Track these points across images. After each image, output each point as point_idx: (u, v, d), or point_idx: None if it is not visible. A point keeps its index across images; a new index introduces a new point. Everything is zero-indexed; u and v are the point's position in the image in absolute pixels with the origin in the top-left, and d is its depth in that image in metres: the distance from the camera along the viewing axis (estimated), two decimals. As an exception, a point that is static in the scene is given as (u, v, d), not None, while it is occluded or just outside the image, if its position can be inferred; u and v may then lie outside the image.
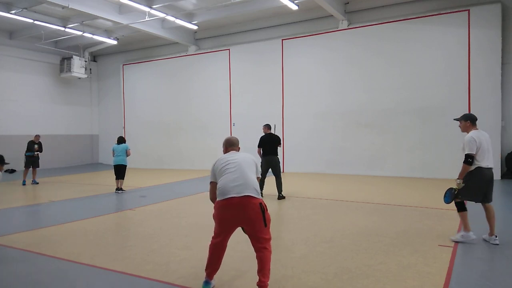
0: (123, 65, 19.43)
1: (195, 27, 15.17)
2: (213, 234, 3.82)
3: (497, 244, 5.16)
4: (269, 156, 9.14)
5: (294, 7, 12.44)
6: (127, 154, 10.57)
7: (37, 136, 13.05)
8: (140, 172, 15.85)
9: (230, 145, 4.16)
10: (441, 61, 12.29)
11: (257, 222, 3.57)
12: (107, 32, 16.73)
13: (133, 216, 7.61)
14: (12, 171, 16.69)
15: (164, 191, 10.90)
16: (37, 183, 12.68)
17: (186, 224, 6.80)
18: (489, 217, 5.38)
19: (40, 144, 12.95)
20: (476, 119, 5.45)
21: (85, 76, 18.88)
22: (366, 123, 13.51)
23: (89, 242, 5.71)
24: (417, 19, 12.63)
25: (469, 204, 5.61)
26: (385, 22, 13.17)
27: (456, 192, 5.42)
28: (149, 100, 18.62)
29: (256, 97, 15.48)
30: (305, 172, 14.19)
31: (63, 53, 18.51)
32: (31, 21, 13.85)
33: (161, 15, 13.31)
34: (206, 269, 3.82)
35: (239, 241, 4.70)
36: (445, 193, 5.64)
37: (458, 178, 5.33)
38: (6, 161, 5.67)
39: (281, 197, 8.93)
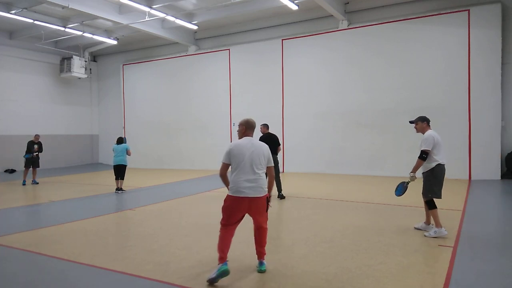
0: (123, 65, 19.43)
1: (195, 27, 15.17)
2: (220, 226, 4.27)
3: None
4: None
5: (294, 7, 12.43)
6: (128, 154, 10.57)
7: (37, 136, 13.03)
8: (140, 172, 15.85)
9: (249, 128, 4.45)
10: (441, 61, 12.29)
11: (261, 211, 4.23)
12: (107, 32, 16.73)
13: (133, 216, 7.61)
14: (12, 171, 16.70)
15: (164, 191, 10.91)
16: (37, 183, 12.68)
17: (186, 224, 6.80)
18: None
19: (40, 144, 12.93)
20: (429, 121, 5.94)
21: (85, 76, 18.88)
22: (366, 123, 13.51)
23: (89, 242, 5.71)
24: (417, 19, 12.63)
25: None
26: (385, 22, 13.18)
27: (406, 186, 5.91)
28: (149, 100, 18.62)
29: (256, 97, 15.48)
30: (305, 172, 14.19)
31: (63, 53, 18.51)
32: (31, 21, 13.85)
33: (161, 15, 13.31)
34: (219, 254, 4.15)
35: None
36: (397, 187, 6.08)
37: (411, 172, 5.69)
38: None
39: (281, 196, 8.87)
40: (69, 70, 18.10)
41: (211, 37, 17.14)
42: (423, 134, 5.82)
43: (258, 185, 4.15)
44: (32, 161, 12.66)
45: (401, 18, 12.93)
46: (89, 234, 6.19)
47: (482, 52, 11.71)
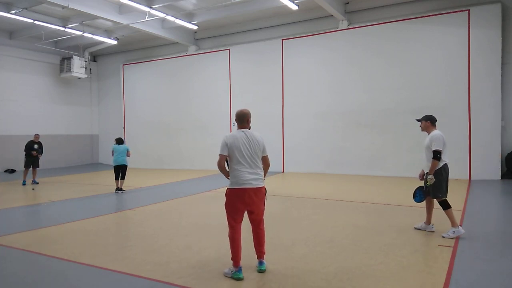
0: (123, 65, 19.43)
1: (195, 27, 15.17)
2: (228, 227, 4.28)
3: (434, 231, 5.70)
4: None
5: (294, 7, 12.43)
6: (128, 155, 10.56)
7: (37, 136, 13.02)
8: (140, 172, 15.85)
9: (240, 120, 4.49)
10: (441, 61, 12.29)
11: (261, 204, 4.29)
12: (107, 32, 16.73)
13: (133, 216, 7.61)
14: (12, 171, 16.70)
15: (164, 191, 10.90)
16: (37, 183, 12.67)
17: (186, 224, 6.80)
18: (432, 208, 5.83)
19: (40, 144, 12.92)
20: (436, 121, 5.92)
21: (85, 76, 18.88)
22: (366, 123, 13.50)
23: (89, 242, 5.71)
24: (417, 19, 12.63)
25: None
26: (385, 22, 13.17)
27: (427, 190, 5.62)
28: (149, 100, 18.62)
29: (256, 97, 15.47)
30: (305, 172, 14.19)
31: (63, 53, 18.51)
32: (31, 21, 13.85)
33: (161, 15, 13.31)
34: (233, 257, 4.19)
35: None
36: (415, 193, 5.82)
37: (429, 174, 5.56)
38: None
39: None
40: (69, 70, 18.10)
41: (211, 37, 17.14)
42: (428, 133, 5.83)
43: (258, 176, 4.25)
44: (32, 161, 12.65)
45: (401, 18, 12.93)
46: (89, 234, 6.19)
47: (482, 52, 11.71)
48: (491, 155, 11.61)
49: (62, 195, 10.34)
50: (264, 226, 4.45)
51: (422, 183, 5.88)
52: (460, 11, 11.99)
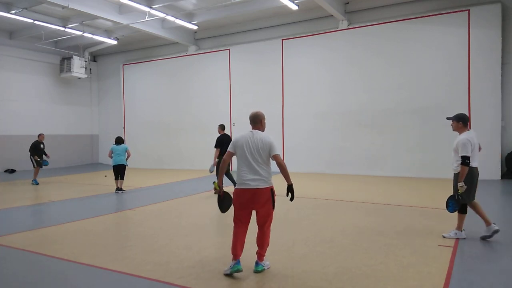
0: (123, 65, 19.44)
1: (195, 27, 15.17)
2: (233, 222, 4.35)
3: (498, 230, 5.32)
4: None
5: (294, 7, 12.43)
6: (127, 155, 10.54)
7: (42, 135, 13.08)
8: (140, 172, 15.85)
9: (252, 121, 4.51)
10: (441, 61, 12.29)
11: (265, 203, 4.26)
12: (107, 32, 16.73)
13: (133, 216, 7.61)
14: (12, 171, 16.69)
15: (164, 191, 10.90)
16: (38, 183, 12.67)
17: (186, 224, 6.80)
18: (480, 211, 5.48)
19: (43, 145, 13.02)
20: (468, 120, 5.64)
21: (85, 76, 18.89)
22: (366, 123, 13.51)
23: (89, 242, 5.71)
24: (417, 19, 12.63)
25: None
26: (385, 22, 13.17)
27: (460, 197, 5.33)
28: (149, 100, 18.62)
29: (256, 97, 15.47)
30: (305, 172, 14.19)
31: (63, 53, 18.51)
32: (31, 21, 13.85)
33: (161, 15, 13.31)
34: (232, 251, 4.24)
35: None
36: (448, 202, 5.52)
37: (459, 182, 5.29)
38: None
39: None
40: (69, 70, 18.10)
41: (211, 37, 17.14)
42: (459, 133, 5.64)
43: (259, 177, 4.24)
44: (41, 161, 12.74)
45: (401, 18, 12.93)
46: (89, 234, 6.19)
47: (482, 52, 11.71)
48: (491, 155, 11.60)
49: (62, 195, 10.34)
50: (270, 229, 4.40)
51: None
52: (460, 11, 11.99)
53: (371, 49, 13.37)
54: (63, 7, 12.22)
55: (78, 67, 18.21)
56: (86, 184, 12.54)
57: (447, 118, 5.94)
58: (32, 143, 12.81)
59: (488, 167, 11.60)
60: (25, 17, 13.61)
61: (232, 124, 16.10)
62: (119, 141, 10.63)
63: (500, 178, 11.53)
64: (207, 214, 7.53)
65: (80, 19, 14.60)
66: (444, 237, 5.48)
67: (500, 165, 11.58)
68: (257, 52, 15.67)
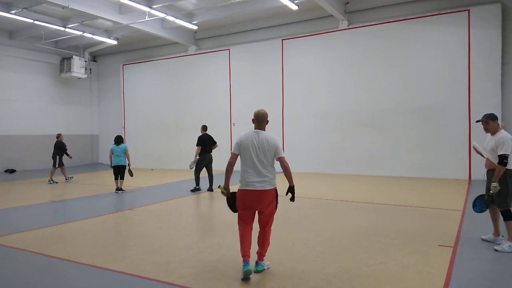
0: (123, 65, 19.43)
1: (195, 27, 15.17)
2: (238, 223, 4.32)
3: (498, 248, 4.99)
4: (207, 154, 10.55)
5: (294, 7, 12.43)
6: (126, 155, 10.53)
7: (62, 135, 13.60)
8: (140, 172, 15.85)
9: (257, 120, 4.38)
10: (441, 61, 12.29)
11: (267, 207, 4.23)
12: (107, 32, 16.73)
13: (133, 216, 7.61)
14: (12, 171, 16.69)
15: (164, 191, 10.90)
16: (56, 182, 12.91)
17: (186, 224, 6.81)
18: (498, 218, 5.24)
19: None
20: (497, 118, 5.24)
21: (85, 76, 18.88)
22: (366, 123, 13.51)
23: (89, 242, 5.71)
24: (417, 19, 12.63)
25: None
26: (385, 22, 13.17)
27: (490, 198, 5.05)
28: (149, 100, 18.62)
29: (256, 97, 15.47)
30: (305, 172, 14.19)
31: (63, 53, 18.51)
32: (31, 21, 13.85)
33: (161, 15, 13.31)
34: (240, 250, 4.21)
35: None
36: (475, 202, 5.25)
37: (493, 181, 4.90)
38: None
39: (210, 189, 10.42)
40: (69, 70, 18.09)
41: (211, 37, 17.14)
42: (492, 134, 5.11)
43: (265, 179, 4.20)
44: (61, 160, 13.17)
45: (401, 18, 12.93)
46: (89, 234, 6.19)
47: (482, 52, 11.71)
48: (491, 155, 11.59)
49: (62, 195, 10.34)
50: (271, 230, 4.40)
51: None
52: (460, 11, 11.99)
53: (371, 49, 13.37)
54: (63, 7, 12.21)
55: (78, 67, 18.21)
56: (86, 184, 12.53)
57: (477, 121, 5.40)
58: (59, 143, 13.22)
59: (488, 167, 11.62)
60: (25, 17, 13.61)
61: (232, 124, 16.11)
62: (118, 140, 10.62)
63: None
64: (207, 214, 7.53)
65: (80, 19, 14.60)
66: (496, 250, 4.92)
67: (500, 165, 11.56)
68: (257, 52, 15.67)
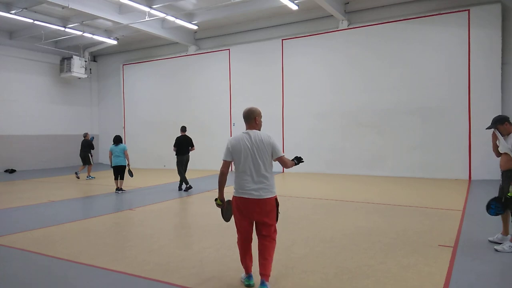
0: (123, 65, 19.43)
1: (195, 27, 15.17)
2: (237, 234, 4.01)
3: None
4: (184, 155, 10.67)
5: (294, 7, 12.43)
6: (126, 155, 10.53)
7: (88, 134, 14.47)
8: (140, 172, 15.84)
9: (245, 119, 4.06)
10: (441, 61, 12.29)
11: (266, 218, 3.84)
12: (107, 32, 16.73)
13: (133, 216, 7.61)
14: (12, 171, 16.69)
15: (164, 191, 10.90)
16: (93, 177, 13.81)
17: (186, 224, 6.81)
18: (508, 218, 5.18)
19: None
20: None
21: (85, 76, 18.88)
22: (366, 123, 13.50)
23: (89, 242, 5.71)
24: (417, 19, 12.62)
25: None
26: (385, 22, 13.17)
27: (508, 202, 4.86)
28: (149, 100, 18.62)
29: (256, 97, 15.46)
30: (305, 172, 14.19)
31: (63, 53, 18.51)
32: (31, 21, 13.84)
33: (161, 15, 13.31)
34: (242, 265, 3.96)
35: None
36: (489, 204, 5.06)
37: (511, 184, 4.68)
38: None
39: (188, 187, 10.63)
40: (69, 70, 18.09)
41: (211, 37, 17.14)
42: (507, 135, 5.06)
43: (263, 186, 3.76)
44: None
45: (401, 18, 12.92)
46: (89, 234, 6.19)
47: (482, 52, 11.70)
48: (491, 155, 11.49)
49: (62, 195, 10.34)
50: (275, 243, 3.96)
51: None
52: (460, 11, 11.99)
53: (371, 49, 13.37)
54: (63, 7, 12.21)
55: (78, 67, 18.21)
56: (86, 184, 12.53)
57: (487, 128, 5.30)
58: (88, 141, 14.04)
59: (488, 167, 11.60)
60: (25, 17, 13.61)
61: (232, 124, 16.10)
62: (117, 141, 10.62)
63: (500, 178, 11.50)
64: (207, 214, 7.53)
65: (80, 19, 14.60)
66: (496, 250, 4.87)
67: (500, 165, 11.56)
68: (257, 52, 15.66)
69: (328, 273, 4.21)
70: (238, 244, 4.00)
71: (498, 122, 5.05)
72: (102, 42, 17.65)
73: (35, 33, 15.79)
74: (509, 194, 4.76)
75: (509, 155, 5.01)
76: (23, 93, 17.66)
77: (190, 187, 10.75)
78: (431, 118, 12.43)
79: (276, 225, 3.97)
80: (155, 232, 6.22)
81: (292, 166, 4.10)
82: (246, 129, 3.99)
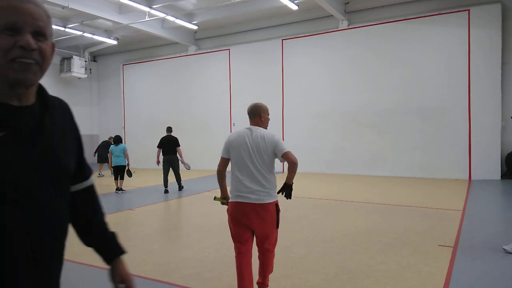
0: (123, 65, 19.44)
1: (195, 27, 15.17)
2: (233, 247, 3.52)
3: None
4: (169, 155, 10.41)
5: (294, 7, 12.44)
6: (125, 155, 10.53)
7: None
8: (140, 172, 15.84)
9: (250, 115, 3.54)
10: (441, 61, 12.29)
11: (265, 225, 3.40)
12: (107, 32, 16.73)
13: (133, 216, 7.61)
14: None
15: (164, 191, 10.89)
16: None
17: (186, 224, 6.81)
18: None
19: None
20: None
21: (85, 76, 18.88)
22: (366, 123, 13.51)
23: (89, 242, 5.69)
24: (417, 19, 12.63)
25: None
26: (385, 22, 13.17)
27: None
28: (149, 100, 18.62)
29: (256, 97, 15.24)
30: (305, 172, 14.18)
31: (63, 53, 18.50)
32: (31, 21, 13.83)
33: (161, 15, 13.31)
34: (237, 283, 3.42)
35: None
36: None
37: None
38: None
39: (181, 188, 10.64)
40: (69, 70, 18.10)
41: (211, 37, 17.14)
42: None
43: (262, 189, 3.35)
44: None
45: (401, 18, 12.93)
46: (89, 234, 6.18)
47: (482, 52, 11.71)
48: (491, 155, 11.62)
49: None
50: (274, 254, 3.65)
51: None
52: (460, 11, 11.99)
53: (371, 49, 13.37)
54: (63, 7, 12.21)
55: (78, 67, 18.21)
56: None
57: None
58: (109, 143, 13.91)
59: (488, 167, 11.62)
60: (25, 17, 13.60)
61: (232, 124, 16.10)
62: (117, 141, 10.64)
63: (500, 178, 11.53)
64: (207, 214, 7.52)
65: (80, 19, 14.60)
66: (504, 249, 4.83)
67: (500, 165, 11.58)
68: (257, 52, 15.66)
69: (328, 273, 4.21)
70: (236, 265, 3.43)
71: None
72: (102, 42, 17.65)
73: (35, 33, 15.78)
74: None
75: None
76: (23, 93, 17.64)
77: (182, 187, 10.80)
78: (431, 118, 12.44)
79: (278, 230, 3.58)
80: (155, 232, 6.22)
81: (295, 167, 3.49)
82: (253, 124, 3.53)
